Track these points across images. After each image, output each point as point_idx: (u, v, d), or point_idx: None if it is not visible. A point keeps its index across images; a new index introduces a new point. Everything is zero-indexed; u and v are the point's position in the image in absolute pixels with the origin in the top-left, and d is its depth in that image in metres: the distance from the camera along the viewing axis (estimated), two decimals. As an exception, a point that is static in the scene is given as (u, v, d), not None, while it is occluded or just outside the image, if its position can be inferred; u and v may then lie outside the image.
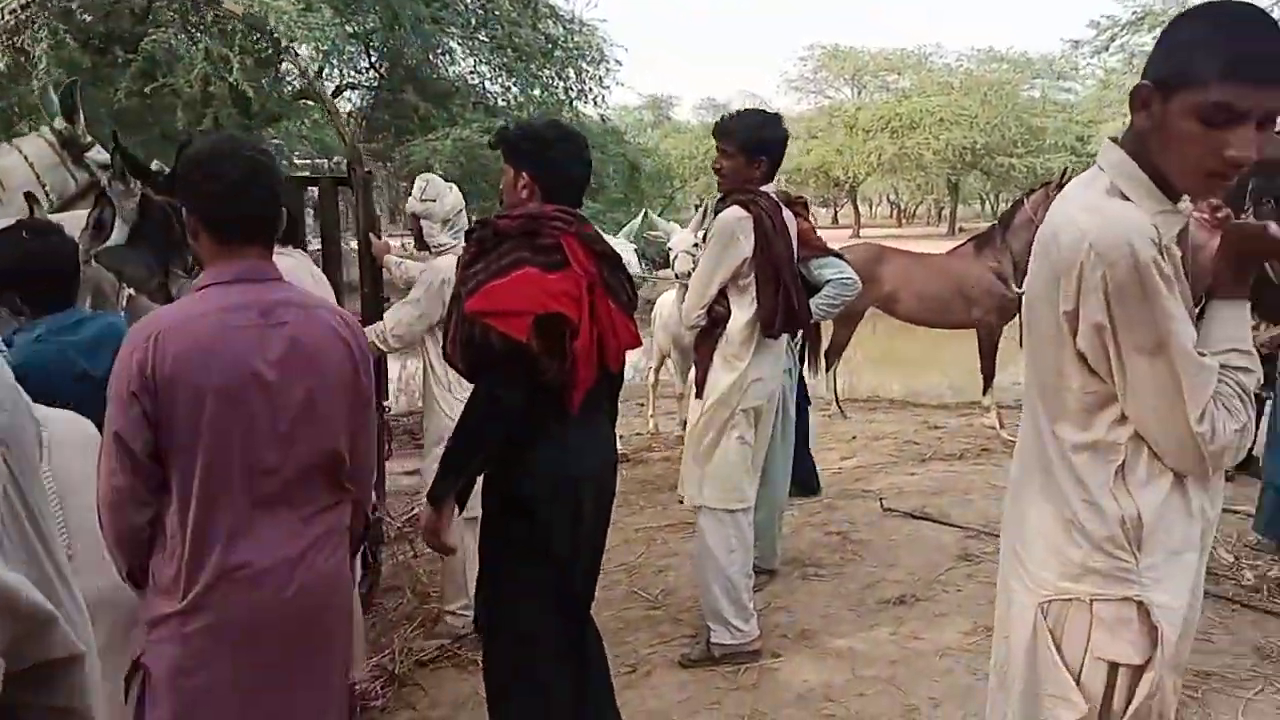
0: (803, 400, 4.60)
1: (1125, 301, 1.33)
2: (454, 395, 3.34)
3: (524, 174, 2.23)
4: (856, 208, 38.87)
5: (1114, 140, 1.47)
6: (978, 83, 31.02)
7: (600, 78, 19.18)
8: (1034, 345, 1.50)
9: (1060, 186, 6.82)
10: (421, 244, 3.60)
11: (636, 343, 2.34)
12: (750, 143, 3.19)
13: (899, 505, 4.78)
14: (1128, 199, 1.39)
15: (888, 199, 51.38)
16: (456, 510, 2.31)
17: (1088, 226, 1.36)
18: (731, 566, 3.25)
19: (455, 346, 2.20)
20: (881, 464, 5.74)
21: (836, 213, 46.48)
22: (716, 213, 3.28)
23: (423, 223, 3.55)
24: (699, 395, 3.26)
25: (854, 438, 6.53)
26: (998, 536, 4.34)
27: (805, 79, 38.18)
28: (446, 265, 3.19)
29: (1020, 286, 6.90)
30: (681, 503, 3.82)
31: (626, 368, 2.53)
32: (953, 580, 3.88)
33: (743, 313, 3.19)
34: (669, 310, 5.85)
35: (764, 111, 3.38)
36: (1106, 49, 14.07)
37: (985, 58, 32.56)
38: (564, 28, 18.82)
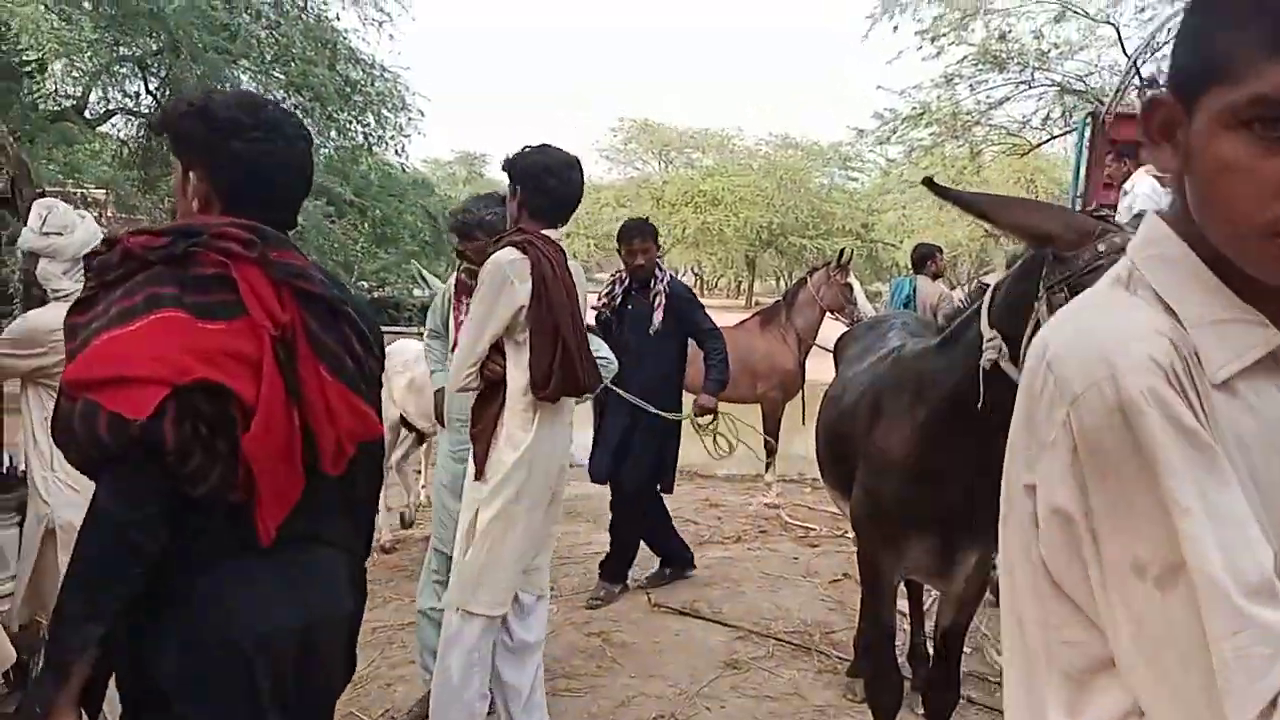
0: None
1: (1105, 473, 0.73)
2: (58, 477, 2.63)
3: (193, 172, 1.53)
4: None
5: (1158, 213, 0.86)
6: (774, 166, 32.64)
7: (401, 125, 18.52)
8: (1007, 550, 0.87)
9: (841, 267, 6.92)
10: (30, 294, 2.86)
11: (373, 430, 1.59)
12: (524, 177, 2.76)
13: (668, 600, 4.38)
14: (1160, 297, 0.80)
15: (692, 270, 53.02)
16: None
17: (1053, 339, 0.80)
18: (470, 688, 2.71)
19: (56, 430, 1.42)
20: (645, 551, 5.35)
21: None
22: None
23: (42, 263, 2.71)
24: (479, 476, 2.76)
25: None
26: (768, 637, 4.21)
27: (616, 149, 38.88)
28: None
29: (803, 364, 6.88)
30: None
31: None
32: (716, 693, 3.48)
33: (521, 373, 2.71)
34: (408, 364, 4.81)
35: (546, 147, 2.86)
36: (888, 140, 14.87)
37: (781, 143, 34.35)
38: (364, 72, 18.02)
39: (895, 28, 13.36)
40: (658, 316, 4.44)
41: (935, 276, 6.81)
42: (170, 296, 1.38)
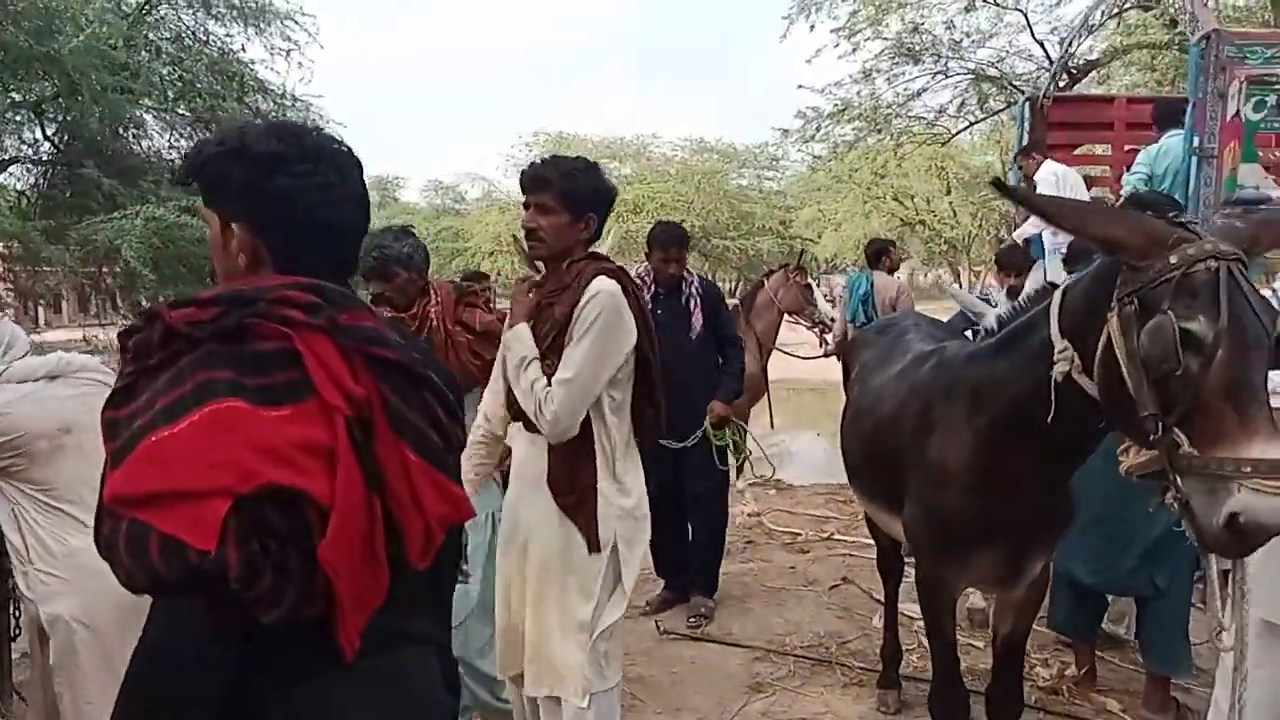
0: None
1: None
2: (37, 569, 2.42)
3: (235, 224, 1.30)
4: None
5: None
6: (692, 171, 32.80)
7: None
8: None
9: (799, 268, 6.91)
10: None
11: (464, 512, 1.34)
12: (577, 195, 2.36)
13: (676, 626, 4.25)
14: None
15: (615, 279, 52.97)
16: None
17: None
18: None
19: (100, 546, 1.16)
20: (648, 570, 5.22)
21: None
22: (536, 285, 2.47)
23: None
24: (593, 549, 2.33)
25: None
26: (786, 654, 4.12)
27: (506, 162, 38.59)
28: None
29: (765, 367, 6.83)
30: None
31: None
32: (751, 719, 3.38)
33: (623, 420, 2.41)
34: None
35: (583, 158, 2.53)
36: (813, 138, 15.04)
37: (697, 148, 34.53)
38: (274, 102, 17.51)
39: (812, 27, 13.52)
40: (697, 320, 4.48)
41: (891, 271, 6.84)
42: (225, 383, 1.14)
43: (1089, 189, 6.93)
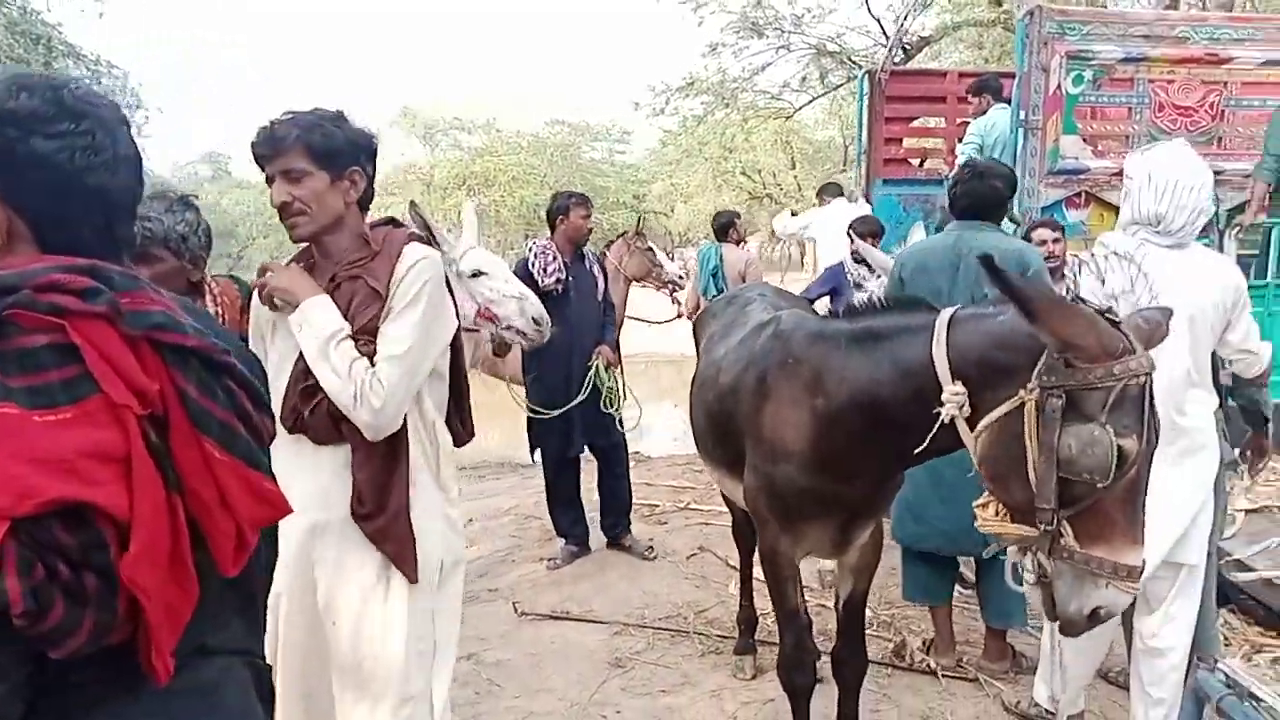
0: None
1: None
2: None
3: None
4: (443, 264, 38.56)
5: None
6: (544, 144, 32.48)
7: (139, 127, 16.76)
8: None
9: (638, 234, 6.87)
10: None
11: (280, 509, 1.20)
12: (330, 148, 1.98)
13: (534, 606, 4.15)
14: None
15: (469, 255, 52.04)
16: None
17: None
18: None
19: None
20: (506, 551, 5.10)
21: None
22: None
23: None
24: (415, 579, 1.98)
25: (471, 520, 5.83)
26: (644, 628, 4.09)
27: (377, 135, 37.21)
28: None
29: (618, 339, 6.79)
30: None
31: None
32: (609, 698, 3.32)
33: (443, 416, 2.13)
34: None
35: (324, 108, 2.07)
36: (663, 111, 15.08)
37: (550, 121, 34.20)
38: (87, 68, 16.13)
39: (658, 0, 13.51)
40: (601, 284, 4.81)
41: (738, 243, 6.90)
42: None
43: (924, 160, 7.21)
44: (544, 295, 4.46)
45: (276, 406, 1.88)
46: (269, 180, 1.94)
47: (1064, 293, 2.74)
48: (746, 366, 2.51)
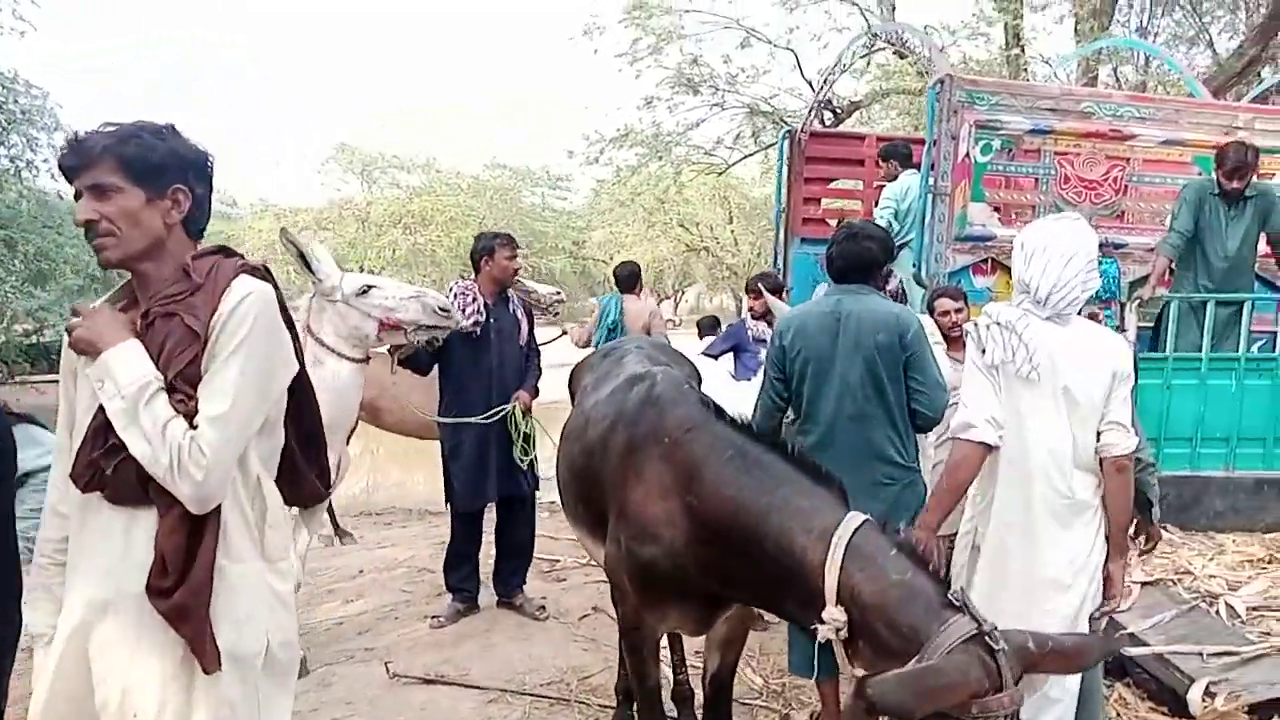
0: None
1: None
2: None
3: None
4: (371, 303, 38.02)
5: None
6: (484, 186, 32.42)
7: (57, 147, 16.22)
8: None
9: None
10: None
11: None
12: (148, 161, 1.75)
13: (409, 669, 3.91)
14: None
15: (404, 294, 51.48)
16: None
17: None
18: None
19: None
20: (391, 606, 4.85)
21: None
22: None
23: None
24: (211, 667, 1.68)
25: (360, 572, 5.57)
26: (522, 694, 3.87)
27: (314, 171, 36.83)
28: None
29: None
30: None
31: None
32: (472, 773, 3.12)
33: (273, 474, 1.87)
34: None
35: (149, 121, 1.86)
36: (596, 161, 15.11)
37: (490, 164, 34.16)
38: (3, 87, 15.61)
39: (595, 51, 13.59)
40: (524, 329, 4.71)
41: (639, 293, 6.80)
42: None
43: (842, 221, 7.25)
44: (463, 337, 4.43)
45: (71, 461, 1.67)
46: (76, 196, 1.69)
47: (962, 360, 2.70)
48: (614, 425, 2.39)
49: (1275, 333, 5.23)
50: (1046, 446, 2.63)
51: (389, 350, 4.37)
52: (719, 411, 2.23)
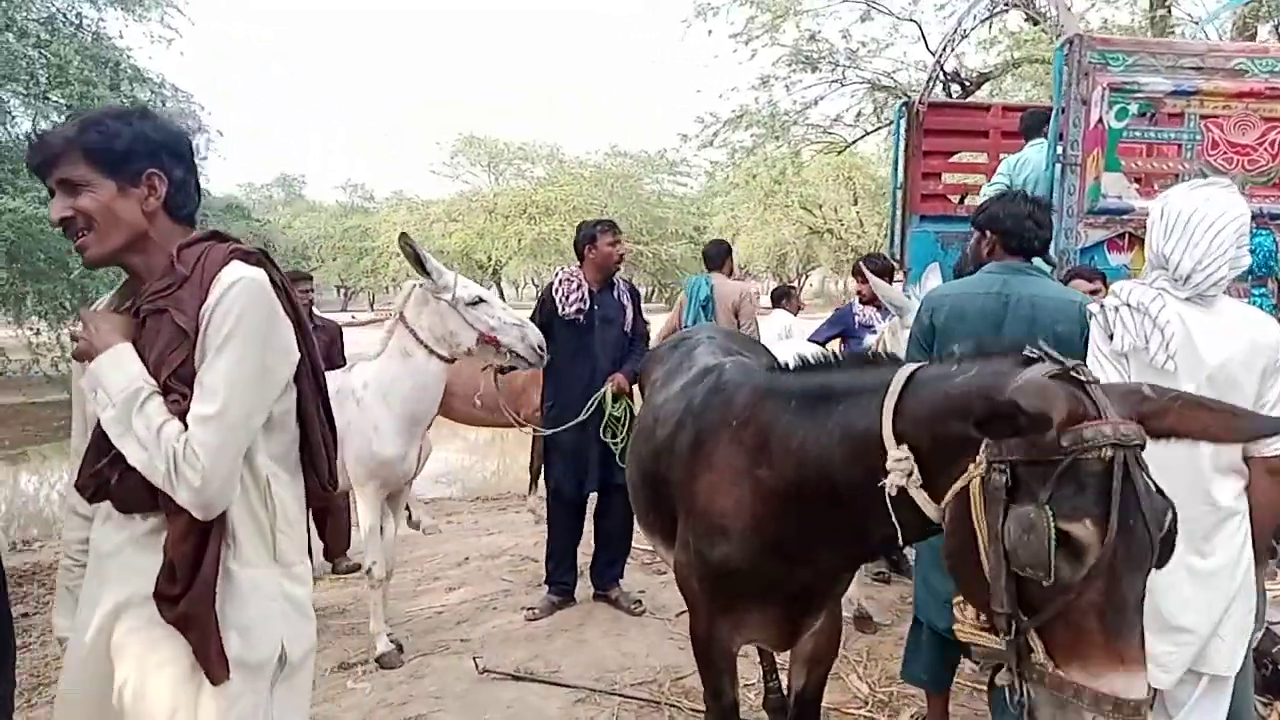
0: None
1: None
2: None
3: None
4: (501, 290, 39.01)
5: None
6: (605, 175, 32.62)
7: (199, 148, 17.22)
8: None
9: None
10: None
11: None
12: (114, 149, 1.62)
13: (499, 664, 3.87)
14: None
15: (532, 281, 52.55)
16: None
17: None
18: None
19: None
20: (491, 596, 4.85)
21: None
22: None
23: None
24: (220, 678, 1.61)
25: (465, 559, 5.61)
26: (612, 694, 3.77)
27: (444, 164, 37.92)
28: None
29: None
30: None
31: None
32: (553, 775, 3.04)
33: (287, 474, 1.79)
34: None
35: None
36: (711, 143, 14.86)
37: (612, 152, 34.34)
38: (152, 91, 16.61)
39: (710, 32, 13.33)
40: (629, 315, 4.63)
41: (730, 274, 6.61)
42: None
43: (964, 197, 6.83)
44: (566, 323, 4.44)
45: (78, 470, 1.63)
46: (51, 194, 1.61)
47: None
48: (682, 421, 2.22)
49: None
50: (1187, 456, 2.31)
51: (494, 372, 4.48)
52: (786, 368, 2.02)
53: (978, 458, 1.45)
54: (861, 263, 5.23)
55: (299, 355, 1.66)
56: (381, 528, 4.03)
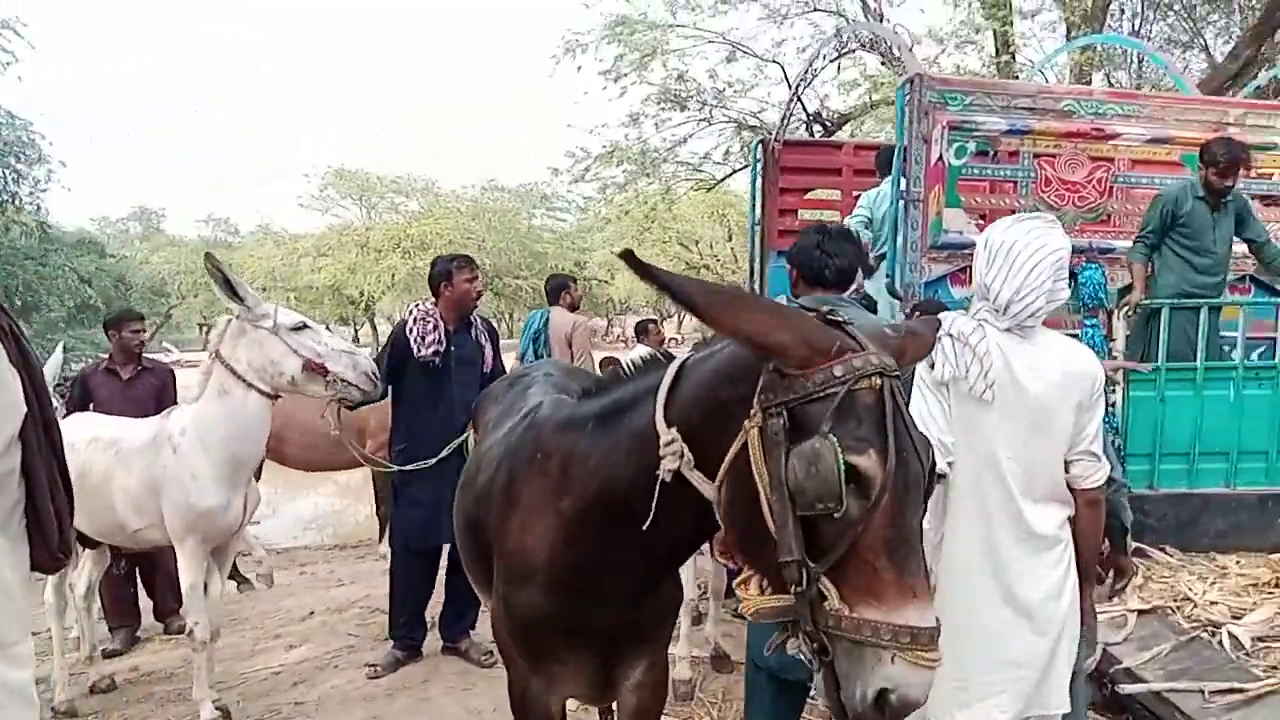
0: None
1: None
2: None
3: None
4: (375, 326, 37.98)
5: None
6: (483, 209, 32.32)
7: (39, 180, 16.13)
8: None
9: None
10: None
11: None
12: None
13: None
14: None
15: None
16: None
17: None
18: None
19: None
20: (334, 653, 4.54)
21: (356, 331, 45.18)
22: None
23: None
24: None
25: (311, 614, 5.27)
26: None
27: (312, 197, 36.78)
28: None
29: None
30: None
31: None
32: None
33: (9, 541, 1.52)
34: None
35: None
36: (583, 178, 14.88)
37: (489, 187, 34.10)
38: (-11, 123, 15.54)
39: (579, 68, 13.39)
40: (489, 356, 4.41)
41: (572, 308, 6.59)
42: None
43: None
44: (421, 364, 4.17)
45: None
46: None
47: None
48: (500, 462, 2.08)
49: (1275, 339, 4.90)
50: (1004, 476, 2.32)
51: (332, 407, 4.10)
52: (589, 393, 1.92)
53: (752, 410, 1.40)
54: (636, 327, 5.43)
55: (24, 410, 1.44)
56: (206, 585, 3.71)
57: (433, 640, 4.44)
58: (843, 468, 1.27)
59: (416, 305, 4.40)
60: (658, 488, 1.56)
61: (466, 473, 2.45)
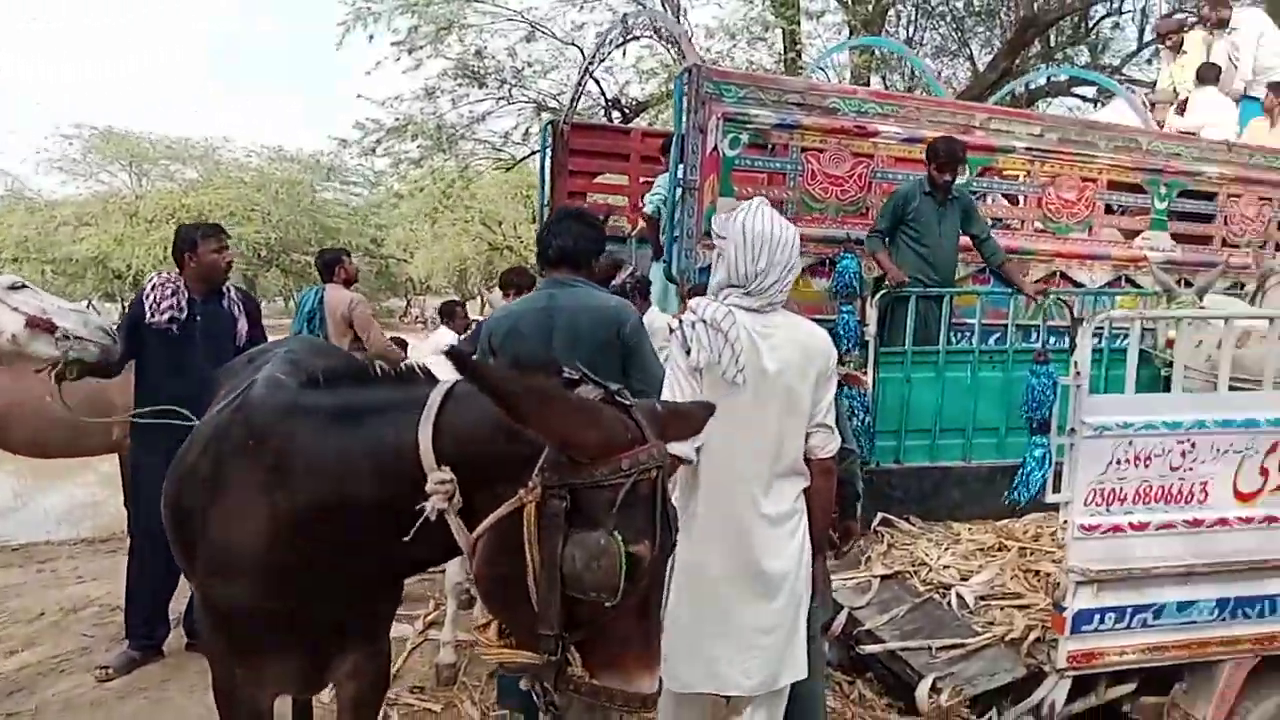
0: None
1: None
2: None
3: None
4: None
5: None
6: (269, 180, 30.38)
7: None
8: None
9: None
10: None
11: None
12: None
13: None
14: None
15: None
16: None
17: None
18: None
19: None
20: (64, 657, 4.13)
21: (125, 308, 41.47)
22: None
23: None
24: None
25: (41, 614, 4.77)
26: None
27: (73, 161, 33.24)
28: None
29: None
30: None
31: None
32: None
33: None
34: None
35: None
36: (373, 151, 14.28)
37: (276, 156, 32.09)
38: None
39: (371, 37, 12.79)
40: (243, 326, 4.16)
41: (347, 283, 6.28)
42: None
43: (608, 217, 7.03)
44: (157, 333, 3.87)
45: None
46: None
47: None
48: (205, 448, 1.93)
49: (1006, 326, 5.40)
50: (755, 454, 2.43)
51: (52, 376, 3.65)
52: (318, 382, 1.80)
53: (530, 482, 1.40)
54: (510, 275, 5.28)
55: None
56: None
57: (176, 638, 4.12)
58: (625, 565, 1.34)
59: (158, 273, 4.16)
60: (419, 521, 1.52)
61: (179, 451, 2.27)
